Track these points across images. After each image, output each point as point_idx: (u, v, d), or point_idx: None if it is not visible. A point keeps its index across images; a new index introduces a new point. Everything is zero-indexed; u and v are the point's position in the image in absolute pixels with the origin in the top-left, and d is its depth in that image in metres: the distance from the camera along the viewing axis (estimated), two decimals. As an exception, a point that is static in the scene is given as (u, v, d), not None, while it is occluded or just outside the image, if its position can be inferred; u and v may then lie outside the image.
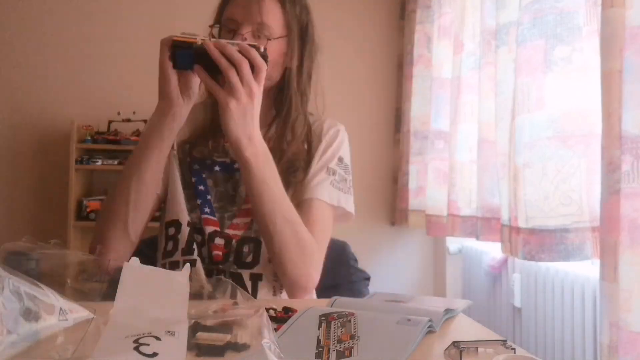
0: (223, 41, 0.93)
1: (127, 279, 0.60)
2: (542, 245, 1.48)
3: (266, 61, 0.94)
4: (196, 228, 1.09)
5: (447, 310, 0.77)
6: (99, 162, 2.60)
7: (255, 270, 1.07)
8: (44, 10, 2.80)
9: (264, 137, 1.03)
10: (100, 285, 0.69)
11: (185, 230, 1.08)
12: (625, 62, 1.18)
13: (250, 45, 0.94)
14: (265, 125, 1.11)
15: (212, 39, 0.95)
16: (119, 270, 0.61)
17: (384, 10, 3.08)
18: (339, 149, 1.17)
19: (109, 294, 0.62)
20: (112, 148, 2.61)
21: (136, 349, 0.50)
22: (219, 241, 1.08)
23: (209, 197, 1.12)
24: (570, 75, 1.46)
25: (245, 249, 1.08)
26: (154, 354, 0.49)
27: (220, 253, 1.07)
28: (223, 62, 0.91)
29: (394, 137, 3.01)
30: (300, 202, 1.09)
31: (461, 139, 2.16)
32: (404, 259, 3.03)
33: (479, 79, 1.97)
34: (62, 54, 2.81)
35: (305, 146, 1.14)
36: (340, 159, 1.17)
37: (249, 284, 1.06)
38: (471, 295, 2.45)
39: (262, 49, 0.94)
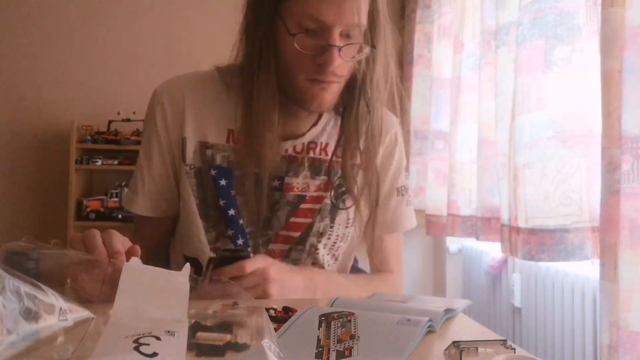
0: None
1: (127, 279, 0.60)
2: (542, 245, 1.48)
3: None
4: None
5: (447, 310, 0.77)
6: (99, 162, 2.60)
7: None
8: (44, 11, 2.80)
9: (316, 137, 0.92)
10: (100, 286, 0.69)
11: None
12: (625, 62, 1.18)
13: (240, 257, 0.81)
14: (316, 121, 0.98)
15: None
16: (118, 270, 0.61)
17: (384, 10, 3.08)
18: (402, 158, 1.05)
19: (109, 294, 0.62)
20: (112, 148, 2.62)
21: (136, 349, 0.50)
22: None
23: (241, 222, 0.95)
24: (570, 75, 1.46)
25: None
26: (154, 354, 0.49)
27: None
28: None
29: (394, 137, 3.00)
30: (379, 237, 1.01)
31: (461, 139, 2.16)
32: (404, 259, 3.02)
33: (479, 79, 1.96)
34: (62, 53, 2.81)
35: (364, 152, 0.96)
36: (405, 169, 1.07)
37: None
38: (471, 295, 2.44)
39: (247, 251, 0.86)
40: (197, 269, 0.94)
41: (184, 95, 0.96)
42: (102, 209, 2.60)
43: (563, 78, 1.47)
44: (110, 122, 2.66)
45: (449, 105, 2.26)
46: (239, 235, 0.95)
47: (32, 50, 2.79)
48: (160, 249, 1.07)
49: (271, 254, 0.97)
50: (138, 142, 2.61)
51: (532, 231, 1.51)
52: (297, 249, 0.99)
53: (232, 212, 0.94)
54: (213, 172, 0.94)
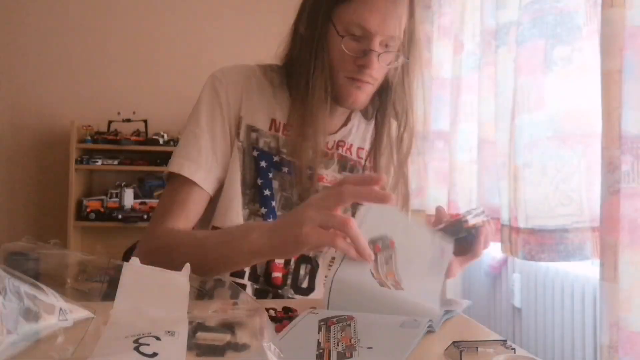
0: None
1: (127, 279, 0.60)
2: (542, 245, 1.48)
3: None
4: None
5: (447, 311, 0.77)
6: (99, 162, 2.60)
7: (311, 297, 1.03)
8: (44, 11, 2.80)
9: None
10: (100, 285, 0.69)
11: None
12: (625, 62, 1.18)
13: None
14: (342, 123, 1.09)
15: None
16: (119, 270, 0.61)
17: (384, 10, 3.08)
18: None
19: (109, 293, 0.62)
20: (112, 148, 2.62)
21: (136, 349, 0.50)
22: (279, 260, 1.01)
23: (273, 204, 1.02)
24: (570, 75, 1.46)
25: (302, 270, 1.03)
26: (154, 354, 0.49)
27: (279, 275, 1.01)
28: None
29: (394, 137, 3.00)
30: None
31: (461, 139, 2.16)
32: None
33: (479, 79, 1.96)
34: (62, 54, 2.81)
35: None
36: None
37: None
38: (471, 295, 2.44)
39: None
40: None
41: (241, 81, 1.05)
42: (102, 209, 2.60)
43: (563, 78, 1.47)
44: (110, 122, 2.66)
45: (449, 105, 2.26)
46: (270, 216, 1.01)
47: (32, 50, 2.79)
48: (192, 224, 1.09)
49: None
50: (138, 142, 2.61)
51: (532, 231, 1.51)
52: None
53: (267, 192, 1.02)
54: (255, 153, 1.03)
